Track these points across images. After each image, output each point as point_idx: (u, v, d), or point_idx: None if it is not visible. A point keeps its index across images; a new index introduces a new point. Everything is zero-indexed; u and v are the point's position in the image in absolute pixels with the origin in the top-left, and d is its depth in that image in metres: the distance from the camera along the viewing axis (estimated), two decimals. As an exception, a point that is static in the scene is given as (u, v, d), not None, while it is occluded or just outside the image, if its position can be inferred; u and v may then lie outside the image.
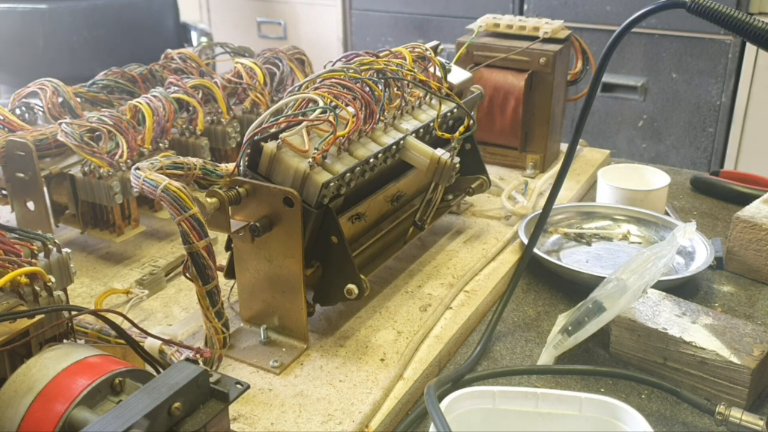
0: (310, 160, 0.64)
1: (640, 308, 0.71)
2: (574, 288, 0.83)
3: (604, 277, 0.72)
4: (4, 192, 0.88)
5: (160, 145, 0.88)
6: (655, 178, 1.02)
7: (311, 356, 0.69)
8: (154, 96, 0.90)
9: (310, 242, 0.68)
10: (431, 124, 0.80)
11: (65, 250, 0.65)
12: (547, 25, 1.06)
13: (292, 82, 1.09)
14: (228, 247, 0.72)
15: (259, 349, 0.70)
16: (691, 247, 0.88)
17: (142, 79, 1.03)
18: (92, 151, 0.81)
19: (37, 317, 0.52)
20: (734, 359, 0.64)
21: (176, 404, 0.42)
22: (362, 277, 0.68)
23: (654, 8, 0.64)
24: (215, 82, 0.99)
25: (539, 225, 0.78)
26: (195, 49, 1.17)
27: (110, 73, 1.02)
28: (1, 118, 0.88)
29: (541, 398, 0.55)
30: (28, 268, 0.55)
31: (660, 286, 0.75)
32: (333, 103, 0.68)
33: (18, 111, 0.96)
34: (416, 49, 0.84)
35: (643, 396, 0.67)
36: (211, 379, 0.45)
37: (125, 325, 0.54)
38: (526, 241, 0.85)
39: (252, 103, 1.02)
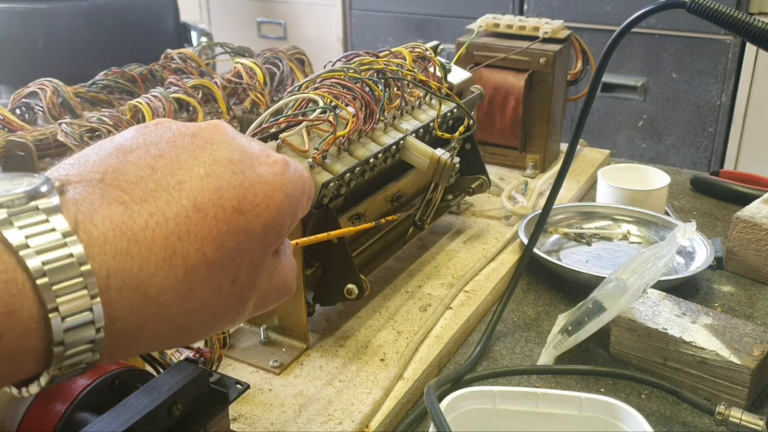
0: (310, 160, 0.64)
1: (640, 308, 0.71)
2: (574, 288, 0.83)
3: (604, 277, 0.72)
4: (4, 192, 0.88)
5: (160, 145, 0.88)
6: (655, 178, 1.02)
7: (311, 356, 0.69)
8: (154, 96, 0.90)
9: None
10: (431, 124, 0.80)
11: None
12: (547, 25, 1.06)
13: (292, 82, 1.09)
14: (228, 247, 0.72)
15: (259, 349, 0.70)
16: (691, 247, 0.88)
17: (142, 79, 1.03)
18: (92, 151, 0.81)
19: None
20: (734, 359, 0.64)
21: (176, 404, 0.42)
22: (362, 277, 0.68)
23: (654, 8, 0.64)
24: (215, 82, 0.99)
25: (539, 225, 0.78)
26: (195, 49, 1.17)
27: (110, 73, 1.02)
28: (1, 118, 0.88)
29: (541, 398, 0.55)
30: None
31: (660, 286, 0.75)
32: (333, 103, 0.68)
33: (18, 111, 0.95)
34: (416, 49, 0.84)
35: (643, 396, 0.67)
36: (211, 379, 0.45)
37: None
38: (526, 241, 0.85)
39: (252, 103, 1.02)
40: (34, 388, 0.30)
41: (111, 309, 0.29)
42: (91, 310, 0.28)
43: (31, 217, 0.28)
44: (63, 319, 0.28)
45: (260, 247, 0.34)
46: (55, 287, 0.27)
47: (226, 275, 0.33)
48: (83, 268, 0.28)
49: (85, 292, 0.28)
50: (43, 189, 0.29)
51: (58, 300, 0.27)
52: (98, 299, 0.28)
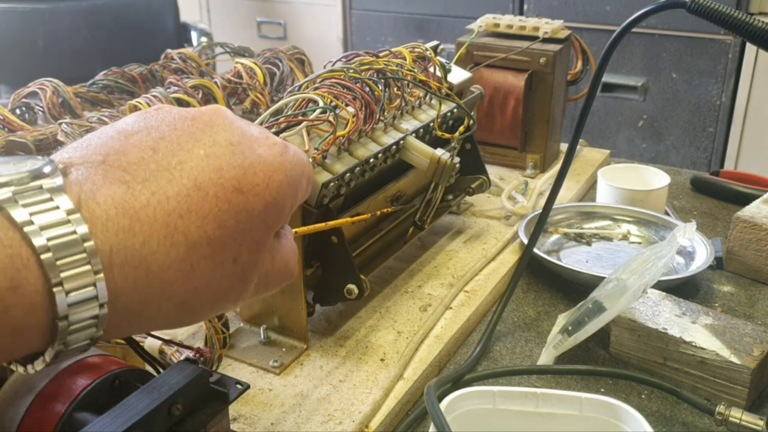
0: (310, 160, 0.64)
1: (640, 308, 0.71)
2: (574, 288, 0.83)
3: (604, 277, 0.72)
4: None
5: (160, 145, 0.88)
6: (655, 178, 1.02)
7: (311, 356, 0.69)
8: (154, 96, 0.90)
9: (310, 242, 0.68)
10: (431, 124, 0.80)
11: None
12: (547, 25, 1.06)
13: (292, 82, 1.09)
14: (228, 247, 0.72)
15: (259, 349, 0.70)
16: (691, 247, 0.88)
17: (142, 79, 1.03)
18: (92, 151, 0.81)
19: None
20: (734, 359, 0.64)
21: (176, 404, 0.42)
22: (362, 277, 0.68)
23: (654, 8, 0.64)
24: (215, 82, 0.99)
25: (539, 225, 0.78)
26: (195, 49, 1.17)
27: (110, 73, 1.02)
28: (1, 118, 0.88)
29: (542, 398, 0.55)
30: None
31: (660, 286, 0.75)
32: (333, 103, 0.68)
33: (18, 111, 0.95)
34: (416, 49, 0.84)
35: (643, 396, 0.67)
36: (211, 379, 0.45)
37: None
38: (526, 241, 0.85)
39: (252, 103, 1.02)
40: (39, 365, 0.30)
41: (114, 285, 0.30)
42: (94, 285, 0.29)
43: (36, 196, 0.29)
44: (67, 293, 0.28)
45: (261, 227, 0.35)
46: (59, 262, 0.28)
47: (227, 253, 0.33)
48: (86, 244, 0.29)
49: (88, 267, 0.29)
50: (46, 170, 0.30)
51: (63, 275, 0.28)
52: (101, 275, 0.29)
